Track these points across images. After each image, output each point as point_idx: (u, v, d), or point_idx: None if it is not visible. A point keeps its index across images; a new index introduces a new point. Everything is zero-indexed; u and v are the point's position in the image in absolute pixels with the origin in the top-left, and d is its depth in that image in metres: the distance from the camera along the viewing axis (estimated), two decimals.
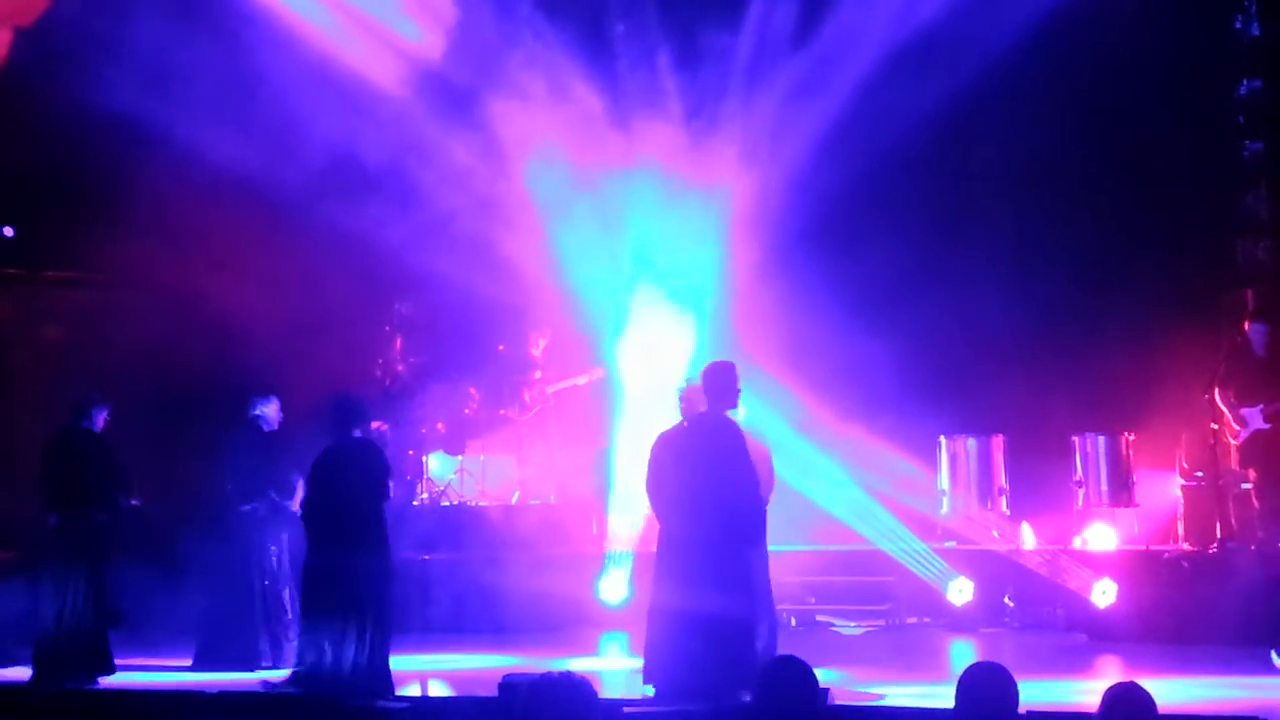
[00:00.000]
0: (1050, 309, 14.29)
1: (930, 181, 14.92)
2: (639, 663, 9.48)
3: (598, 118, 14.41)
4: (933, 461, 13.78)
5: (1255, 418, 12.15)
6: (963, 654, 11.61)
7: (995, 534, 13.38)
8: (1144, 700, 4.91)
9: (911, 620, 12.95)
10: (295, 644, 10.06)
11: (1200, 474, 12.68)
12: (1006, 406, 13.90)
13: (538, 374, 14.81)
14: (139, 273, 14.42)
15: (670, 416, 9.78)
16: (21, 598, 11.19)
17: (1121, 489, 12.99)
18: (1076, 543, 12.92)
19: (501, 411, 14.88)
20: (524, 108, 14.53)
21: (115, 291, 15.30)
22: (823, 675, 5.08)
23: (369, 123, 14.27)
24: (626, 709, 8.36)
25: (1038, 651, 11.49)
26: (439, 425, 15.03)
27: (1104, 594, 11.98)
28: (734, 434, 9.08)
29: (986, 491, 13.55)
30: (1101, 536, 12.87)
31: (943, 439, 13.76)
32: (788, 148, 14.16)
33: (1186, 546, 12.48)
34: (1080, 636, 12.09)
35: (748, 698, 7.45)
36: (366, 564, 9.56)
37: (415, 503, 14.55)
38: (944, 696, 7.08)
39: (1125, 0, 13.83)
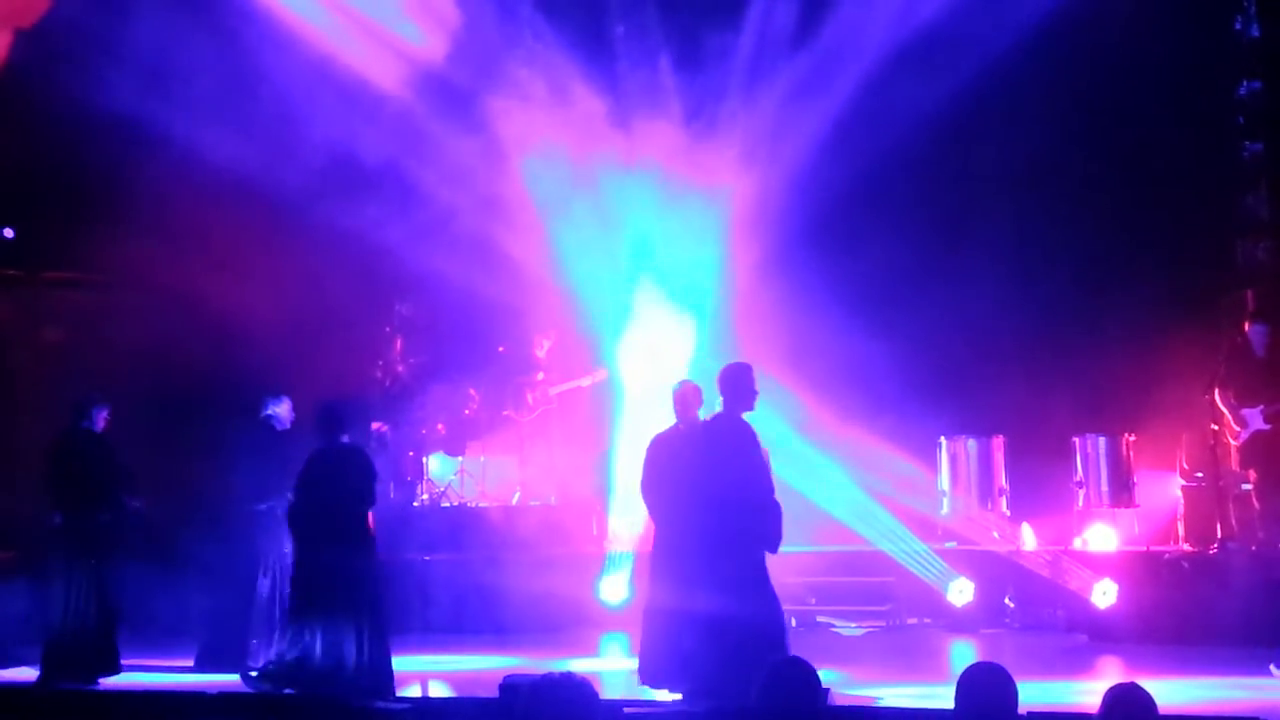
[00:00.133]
0: (1050, 309, 14.30)
1: (930, 181, 14.92)
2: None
3: (598, 118, 14.42)
4: (933, 462, 13.77)
5: (1255, 418, 12.14)
6: (963, 655, 11.61)
7: (995, 535, 13.37)
8: (1144, 701, 4.91)
9: (912, 621, 12.96)
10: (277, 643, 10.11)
11: (1200, 475, 12.68)
12: (1007, 407, 13.89)
13: (541, 375, 14.81)
14: (139, 273, 14.40)
15: (669, 417, 9.79)
16: (22, 598, 11.20)
17: (1122, 490, 12.98)
18: (1077, 543, 12.91)
19: (503, 412, 14.88)
20: (524, 108, 14.55)
21: (115, 292, 15.28)
22: (823, 675, 5.08)
23: (369, 123, 14.27)
24: (627, 710, 8.36)
25: (1038, 652, 11.48)
26: (439, 426, 15.03)
27: (1104, 595, 11.98)
28: (750, 436, 9.06)
29: (987, 492, 13.54)
30: (1102, 537, 12.86)
31: (943, 439, 13.75)
32: (788, 148, 14.16)
33: (1187, 547, 12.49)
34: (1080, 637, 12.09)
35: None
36: (352, 567, 9.61)
37: (416, 504, 14.55)
38: (944, 697, 7.09)
39: (1125, 1, 13.83)
